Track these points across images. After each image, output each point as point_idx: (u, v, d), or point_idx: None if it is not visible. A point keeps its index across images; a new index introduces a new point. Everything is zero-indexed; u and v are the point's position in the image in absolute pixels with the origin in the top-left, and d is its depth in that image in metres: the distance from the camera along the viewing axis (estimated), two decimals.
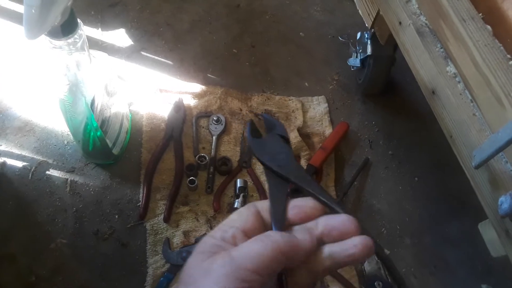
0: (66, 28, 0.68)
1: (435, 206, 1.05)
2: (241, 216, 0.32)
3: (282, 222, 0.32)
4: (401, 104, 1.19)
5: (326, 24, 1.31)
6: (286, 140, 0.39)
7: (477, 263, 1.00)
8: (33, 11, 0.61)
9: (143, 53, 1.19)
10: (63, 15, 0.66)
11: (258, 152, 0.36)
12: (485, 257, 1.00)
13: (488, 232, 0.75)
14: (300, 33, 1.29)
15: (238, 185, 1.00)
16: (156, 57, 1.19)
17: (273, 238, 0.29)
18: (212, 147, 1.06)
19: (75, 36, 0.71)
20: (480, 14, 0.74)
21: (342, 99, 1.18)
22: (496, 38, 0.72)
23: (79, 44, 0.73)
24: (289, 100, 1.15)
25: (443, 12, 0.75)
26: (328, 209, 0.32)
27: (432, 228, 1.03)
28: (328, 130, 1.12)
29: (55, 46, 0.71)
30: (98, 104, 0.88)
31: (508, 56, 0.71)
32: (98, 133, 0.91)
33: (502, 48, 0.71)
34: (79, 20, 0.72)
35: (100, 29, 1.21)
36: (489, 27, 0.73)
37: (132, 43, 1.20)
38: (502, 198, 0.64)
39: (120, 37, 1.20)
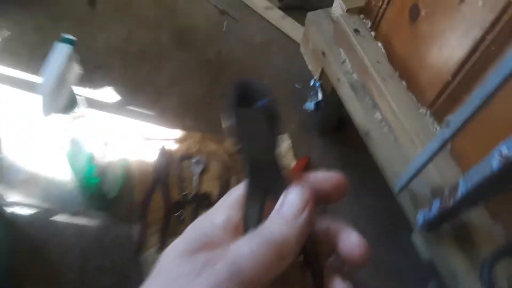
0: (69, 107, 0.86)
1: (387, 224, 1.25)
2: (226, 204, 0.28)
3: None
4: (353, 138, 1.39)
5: (285, 71, 1.53)
6: (274, 118, 0.29)
7: (426, 269, 1.20)
8: (46, 98, 0.80)
9: (128, 107, 1.37)
10: (69, 95, 0.85)
11: (234, 129, 0.28)
12: (432, 264, 1.20)
13: (417, 241, 0.95)
14: (264, 81, 1.50)
15: None
16: (140, 110, 1.37)
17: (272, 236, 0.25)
18: (195, 184, 1.24)
19: (76, 110, 0.89)
20: (397, 72, 0.97)
21: (303, 136, 1.39)
22: (410, 91, 0.94)
23: (78, 114, 0.91)
24: None
25: (368, 73, 0.97)
26: None
27: (385, 242, 1.22)
28: (292, 163, 1.31)
29: (63, 119, 0.89)
30: (96, 155, 1.05)
31: (419, 105, 0.93)
32: (95, 180, 1.08)
33: (414, 98, 0.94)
34: (77, 97, 0.90)
35: (89, 88, 1.38)
36: (404, 82, 0.96)
37: (119, 98, 1.38)
38: (418, 215, 0.85)
39: (107, 94, 1.39)
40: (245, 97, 0.30)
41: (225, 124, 0.29)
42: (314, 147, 1.37)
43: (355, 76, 1.02)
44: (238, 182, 1.10)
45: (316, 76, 1.16)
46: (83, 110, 0.92)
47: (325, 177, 0.30)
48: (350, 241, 0.28)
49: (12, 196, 1.16)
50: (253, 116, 0.29)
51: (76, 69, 0.82)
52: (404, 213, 0.92)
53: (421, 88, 0.92)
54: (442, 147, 0.71)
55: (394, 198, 1.29)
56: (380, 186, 1.31)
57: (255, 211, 0.27)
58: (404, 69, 0.95)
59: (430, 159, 0.74)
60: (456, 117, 0.66)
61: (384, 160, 0.95)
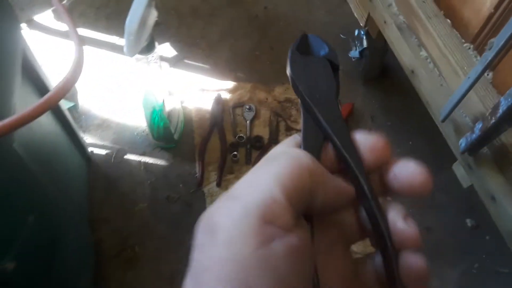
0: (150, 47, 0.98)
1: (426, 162, 1.32)
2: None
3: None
4: (395, 85, 1.47)
5: (330, 24, 1.60)
6: (336, 68, 0.31)
7: (462, 204, 1.27)
8: (131, 38, 0.92)
9: (185, 61, 1.49)
10: (147, 38, 0.97)
11: (295, 72, 0.30)
12: (468, 199, 1.27)
13: (458, 169, 1.03)
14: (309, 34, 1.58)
15: None
16: (196, 63, 1.49)
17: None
18: (247, 129, 1.35)
19: (153, 53, 1.01)
20: (442, 12, 1.03)
21: (347, 84, 1.46)
22: (454, 28, 1.00)
23: (154, 58, 1.04)
24: None
25: (415, 12, 1.03)
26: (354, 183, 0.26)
27: None
28: None
29: (140, 60, 1.01)
30: (164, 101, 1.18)
31: (463, 40, 0.99)
32: (164, 123, 1.21)
33: (458, 35, 0.99)
34: (155, 41, 1.02)
35: None
36: (448, 20, 1.01)
37: (176, 53, 1.50)
38: (461, 140, 0.92)
39: (166, 49, 1.51)
40: (307, 49, 0.32)
41: (289, 70, 0.30)
42: (358, 94, 1.45)
43: (401, 17, 1.08)
44: (286, 127, 1.20)
45: (362, 23, 1.23)
46: (158, 54, 1.04)
47: (361, 140, 0.27)
48: (409, 170, 0.26)
49: (89, 139, 1.32)
50: (315, 63, 0.31)
51: (154, 14, 0.93)
52: (447, 141, 0.99)
53: (465, 24, 0.98)
54: (485, 70, 0.78)
55: (433, 139, 1.36)
56: (419, 129, 1.38)
57: (314, 151, 0.27)
58: (448, 7, 1.01)
59: (474, 82, 0.81)
60: (499, 39, 0.72)
61: (429, 95, 1.02)
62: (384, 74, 1.45)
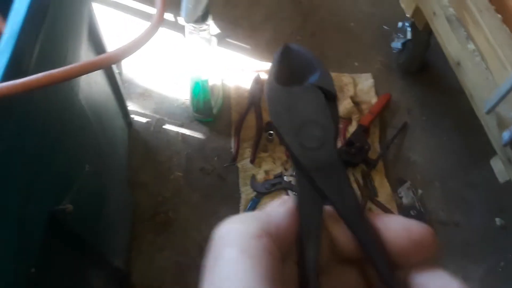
0: (204, 16, 1.02)
1: (460, 158, 1.33)
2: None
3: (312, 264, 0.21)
4: (434, 80, 1.47)
5: (372, 15, 1.60)
6: (330, 97, 0.24)
7: (492, 203, 1.28)
8: (190, 6, 0.95)
9: (227, 39, 1.52)
10: (204, 8, 1.00)
11: (277, 115, 0.23)
12: (499, 198, 1.27)
13: (497, 164, 1.03)
14: (351, 23, 1.59)
15: None
16: (237, 43, 1.52)
17: None
18: None
19: (207, 23, 1.05)
20: (493, 6, 1.03)
21: (385, 76, 1.47)
22: (504, 23, 1.01)
23: (208, 29, 1.07)
24: (343, 76, 1.46)
25: (466, 5, 1.03)
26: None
27: (457, 175, 1.31)
28: (374, 100, 1.41)
29: (195, 29, 1.04)
30: (209, 75, 1.21)
31: None
32: (205, 96, 1.25)
33: (508, 30, 1.00)
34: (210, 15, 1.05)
35: None
36: (499, 15, 1.02)
37: (219, 31, 1.53)
38: (504, 133, 0.93)
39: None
40: (291, 71, 0.24)
41: (269, 114, 0.23)
42: (395, 87, 1.46)
43: (451, 9, 1.09)
44: None
45: (409, 13, 1.24)
46: (210, 26, 1.07)
47: (402, 225, 0.21)
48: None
49: (131, 106, 1.36)
50: (304, 96, 0.23)
51: None
52: (488, 135, 1.00)
53: None
54: None
55: (467, 137, 1.36)
56: (454, 126, 1.39)
57: (312, 225, 0.21)
58: (501, 2, 1.01)
59: None
60: None
61: (473, 87, 1.03)
62: (423, 69, 1.46)
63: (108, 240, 0.93)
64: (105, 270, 0.93)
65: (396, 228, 0.21)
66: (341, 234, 0.22)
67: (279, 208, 0.22)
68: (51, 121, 0.63)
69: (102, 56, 0.57)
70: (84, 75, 0.83)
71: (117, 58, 0.57)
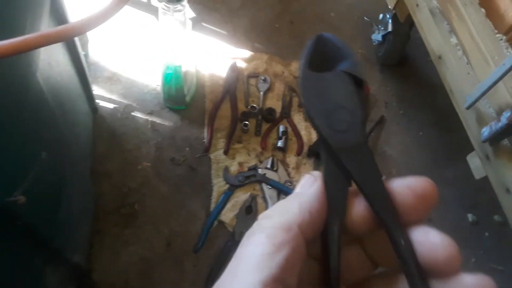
0: None
1: (435, 154, 1.32)
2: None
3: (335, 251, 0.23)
4: (412, 74, 1.45)
5: (353, 7, 1.57)
6: (359, 83, 0.25)
7: (465, 199, 1.27)
8: None
9: (203, 24, 1.45)
10: None
11: (309, 99, 0.24)
12: (472, 194, 1.27)
13: (473, 160, 1.02)
14: (331, 14, 1.55)
15: (281, 130, 1.27)
16: (214, 28, 1.45)
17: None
18: (260, 100, 1.33)
19: (182, 3, 0.98)
20: (477, 0, 1.01)
21: (364, 68, 1.44)
22: (488, 18, 0.99)
23: (183, 10, 1.00)
24: None
25: None
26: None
27: (432, 170, 1.30)
28: None
29: (169, 9, 0.97)
30: (182, 61, 1.14)
31: (495, 31, 0.97)
32: (178, 83, 1.18)
33: (491, 25, 0.98)
34: None
35: None
36: (483, 10, 1.00)
37: (194, 15, 1.45)
38: (484, 129, 0.91)
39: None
40: (323, 58, 0.25)
41: (302, 98, 0.24)
42: (374, 80, 1.43)
43: (434, 2, 1.06)
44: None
45: (391, 5, 1.21)
46: (184, 7, 1.00)
47: (406, 185, 0.23)
48: (431, 242, 0.22)
49: (97, 90, 1.27)
50: (334, 82, 0.24)
51: None
52: (467, 131, 0.98)
53: (499, 16, 0.96)
54: None
55: (443, 133, 1.35)
56: (431, 121, 1.38)
57: (338, 203, 0.23)
58: None
59: (509, 70, 0.79)
60: None
61: (454, 82, 1.01)
62: (402, 63, 1.44)
63: (66, 234, 0.85)
64: (62, 267, 0.86)
65: (402, 190, 0.23)
66: (361, 211, 0.24)
67: (310, 188, 0.23)
68: (2, 101, 0.56)
69: (61, 27, 0.50)
70: (44, 53, 0.75)
71: (79, 30, 0.49)
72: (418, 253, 0.22)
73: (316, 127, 0.24)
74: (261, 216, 0.23)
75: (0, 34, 0.50)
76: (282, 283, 0.20)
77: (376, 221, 0.23)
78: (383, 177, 0.23)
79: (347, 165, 0.23)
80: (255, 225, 0.23)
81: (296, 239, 0.21)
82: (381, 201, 0.22)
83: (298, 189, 0.24)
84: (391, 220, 0.22)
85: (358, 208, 0.24)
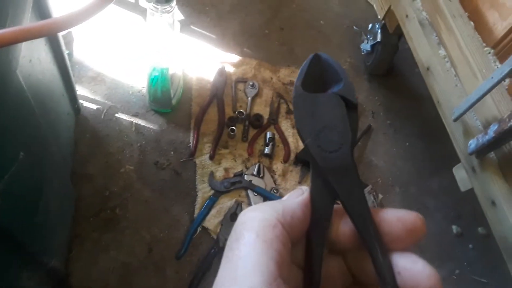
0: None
1: (421, 165, 1.33)
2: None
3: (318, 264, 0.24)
4: (400, 85, 1.46)
5: (342, 15, 1.57)
6: (351, 106, 0.25)
7: (450, 211, 1.28)
8: None
9: (192, 27, 1.43)
10: None
11: (301, 118, 0.25)
12: (457, 206, 1.28)
13: (459, 172, 1.02)
14: (321, 21, 1.55)
15: (268, 136, 1.26)
16: (202, 31, 1.43)
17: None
18: (248, 106, 1.31)
19: (171, 4, 0.96)
20: (466, 13, 1.02)
21: (352, 77, 1.45)
22: (476, 31, 1.00)
23: (172, 12, 0.98)
24: None
25: (440, 9, 1.01)
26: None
27: (417, 181, 1.30)
28: None
29: (157, 10, 0.95)
30: (169, 63, 1.12)
31: (484, 44, 0.98)
32: (164, 85, 1.16)
33: (480, 38, 0.99)
34: None
35: None
36: (472, 22, 1.01)
37: (183, 18, 1.44)
38: (471, 141, 0.91)
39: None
40: (317, 79, 0.26)
41: (294, 117, 0.25)
42: (361, 89, 1.43)
43: (424, 13, 1.07)
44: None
45: (381, 15, 1.21)
46: (173, 8, 0.98)
47: (396, 216, 0.25)
48: (416, 271, 0.23)
49: (80, 90, 1.24)
50: (326, 104, 0.25)
51: None
52: (454, 143, 0.98)
53: (488, 29, 0.97)
54: (510, 72, 0.77)
55: (429, 144, 1.36)
56: (418, 132, 1.38)
57: (322, 217, 0.24)
58: (474, 10, 1.00)
59: (497, 83, 0.80)
60: None
61: (442, 94, 1.01)
62: (390, 73, 1.44)
63: (44, 238, 0.82)
64: (39, 272, 0.82)
65: (392, 220, 0.24)
66: (345, 228, 0.25)
67: (296, 198, 0.25)
68: None
69: (44, 21, 0.47)
70: (25, 50, 0.73)
71: (61, 26, 0.47)
72: (401, 278, 0.23)
73: (305, 146, 0.25)
74: (242, 213, 0.24)
75: None
76: (282, 278, 0.21)
77: (359, 240, 0.24)
78: (370, 186, 0.24)
79: (334, 185, 0.24)
80: (240, 225, 0.23)
81: (283, 234, 0.22)
82: (365, 223, 0.24)
83: (285, 197, 0.25)
84: (373, 241, 0.23)
85: (344, 226, 0.25)
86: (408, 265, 0.23)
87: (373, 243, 0.23)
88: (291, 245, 0.23)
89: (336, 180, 0.24)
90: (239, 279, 0.21)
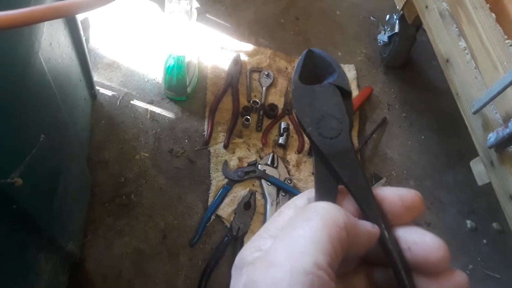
0: None
1: (436, 159, 1.31)
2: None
3: None
4: (416, 78, 1.44)
5: (359, 6, 1.56)
6: (346, 94, 0.27)
7: (464, 205, 1.27)
8: None
9: (207, 15, 1.42)
10: None
11: (301, 109, 0.26)
12: (471, 201, 1.27)
13: (477, 166, 1.01)
14: (337, 12, 1.53)
15: (282, 126, 1.26)
16: (217, 20, 1.43)
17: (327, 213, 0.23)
18: (262, 95, 1.31)
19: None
20: (488, 5, 1.00)
21: (368, 69, 1.43)
22: (498, 23, 0.98)
23: (190, 5, 0.98)
24: None
25: (461, 1, 1.00)
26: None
27: (432, 175, 1.29)
28: (355, 92, 1.37)
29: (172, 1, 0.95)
30: (186, 51, 1.12)
31: (505, 37, 0.96)
32: (180, 73, 1.15)
33: (501, 30, 0.97)
34: None
35: None
36: (493, 14, 0.99)
37: (198, 6, 1.43)
38: (490, 134, 0.90)
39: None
40: (312, 71, 0.28)
41: (294, 108, 0.27)
42: (377, 81, 1.42)
43: (444, 4, 1.05)
44: None
45: (400, 6, 1.19)
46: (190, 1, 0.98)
47: (397, 194, 0.26)
48: (425, 245, 0.24)
49: (96, 76, 1.25)
50: (323, 93, 0.27)
51: None
52: (473, 137, 0.97)
53: (510, 22, 0.95)
54: None
55: (445, 137, 1.35)
56: (433, 125, 1.37)
57: (328, 199, 0.25)
58: (495, 2, 0.98)
59: None
60: None
61: (461, 86, 0.99)
62: (407, 65, 1.43)
63: (61, 221, 0.83)
64: (55, 254, 0.83)
65: (393, 198, 0.26)
66: (349, 207, 0.26)
67: (370, 227, 0.24)
68: (5, 79, 0.53)
69: (70, 0, 0.47)
70: (46, 33, 0.73)
71: (88, 4, 0.47)
72: (411, 251, 0.24)
73: (307, 135, 0.26)
74: (317, 203, 0.24)
75: (4, 5, 0.47)
76: (332, 269, 0.21)
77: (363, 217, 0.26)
78: (384, 179, 0.31)
79: (337, 168, 0.25)
80: (312, 209, 0.23)
81: (345, 241, 0.22)
82: (368, 202, 0.25)
83: (362, 223, 0.26)
84: (377, 219, 0.25)
85: (347, 204, 0.26)
86: (418, 239, 0.24)
87: (378, 221, 0.25)
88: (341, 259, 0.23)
89: (339, 164, 0.26)
90: (297, 256, 0.21)
